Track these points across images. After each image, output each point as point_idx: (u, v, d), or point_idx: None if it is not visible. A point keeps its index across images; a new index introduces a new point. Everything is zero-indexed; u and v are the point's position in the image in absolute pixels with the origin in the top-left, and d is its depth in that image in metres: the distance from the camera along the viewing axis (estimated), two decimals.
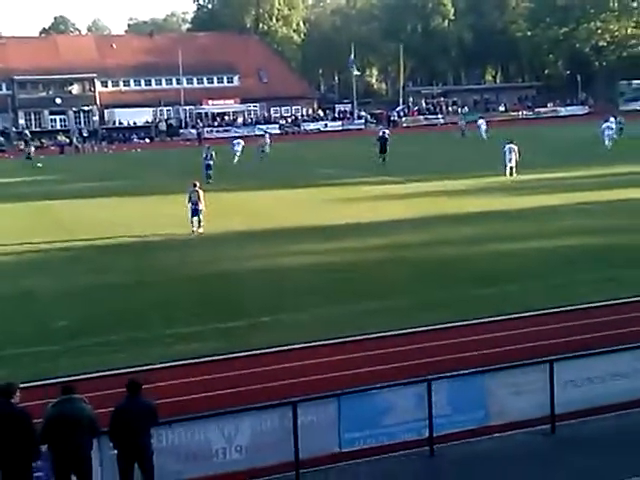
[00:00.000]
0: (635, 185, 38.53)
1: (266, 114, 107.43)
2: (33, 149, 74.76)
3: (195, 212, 31.13)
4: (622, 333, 16.72)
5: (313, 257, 26.30)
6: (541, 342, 16.51)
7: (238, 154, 60.24)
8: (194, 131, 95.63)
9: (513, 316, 18.65)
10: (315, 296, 21.27)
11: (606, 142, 59.10)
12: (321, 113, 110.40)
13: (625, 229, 28.68)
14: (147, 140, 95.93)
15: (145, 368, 15.75)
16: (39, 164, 65.55)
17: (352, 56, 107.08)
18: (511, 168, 44.55)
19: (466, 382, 12.96)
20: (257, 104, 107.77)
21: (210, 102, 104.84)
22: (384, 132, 59.64)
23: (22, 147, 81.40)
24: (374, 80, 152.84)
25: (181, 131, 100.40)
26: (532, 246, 26.40)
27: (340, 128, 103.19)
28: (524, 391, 13.07)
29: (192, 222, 31.22)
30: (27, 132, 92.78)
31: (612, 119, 64.39)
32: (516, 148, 45.11)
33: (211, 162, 48.22)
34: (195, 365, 16.34)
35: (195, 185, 31.50)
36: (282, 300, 21.01)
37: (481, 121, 76.90)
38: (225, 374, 15.78)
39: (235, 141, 63.00)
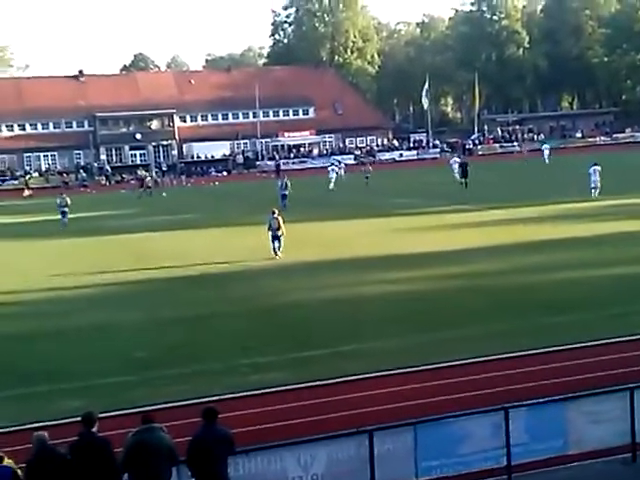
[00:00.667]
0: None
1: (341, 145, 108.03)
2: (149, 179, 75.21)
3: (275, 238, 32.39)
4: None
5: (388, 286, 26.25)
6: (619, 370, 16.30)
7: (333, 180, 64.36)
8: (270, 163, 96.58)
9: (589, 344, 18.42)
10: (392, 325, 21.24)
11: None
12: (396, 143, 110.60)
13: None
14: (224, 173, 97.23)
15: (222, 397, 15.86)
16: (164, 194, 68.32)
17: (427, 86, 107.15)
18: (594, 189, 46.71)
19: (543, 410, 12.83)
20: (332, 135, 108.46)
21: (286, 134, 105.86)
22: (462, 158, 60.57)
23: (103, 182, 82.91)
24: (449, 109, 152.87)
25: (258, 163, 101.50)
26: (609, 273, 26.10)
27: (415, 157, 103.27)
28: (603, 419, 12.88)
29: (273, 248, 32.38)
30: (108, 167, 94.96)
31: None
32: (600, 169, 47.15)
33: (286, 192, 50.42)
34: (271, 394, 16.40)
35: (274, 212, 32.84)
36: (359, 329, 21.01)
37: (545, 146, 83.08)
38: (301, 403, 15.83)
39: (330, 168, 67.21)
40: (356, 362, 18.12)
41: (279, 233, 32.35)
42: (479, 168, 72.29)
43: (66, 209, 49.44)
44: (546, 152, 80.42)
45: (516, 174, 69.36)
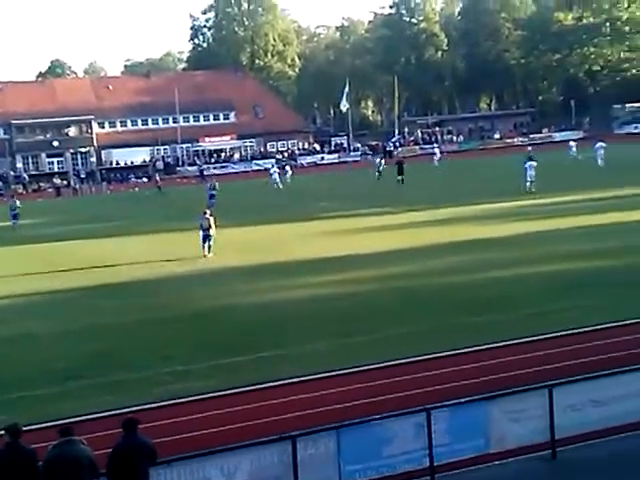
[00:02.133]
0: (629, 208, 38.72)
1: (262, 149, 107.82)
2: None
3: (206, 238, 33.68)
4: (619, 356, 16.70)
5: (312, 290, 26.28)
6: (538, 368, 16.49)
7: (277, 180, 66.97)
8: (191, 168, 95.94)
9: (508, 343, 18.60)
10: (315, 329, 21.26)
11: (599, 162, 62.89)
12: (317, 146, 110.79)
13: (617, 251, 28.79)
14: (145, 179, 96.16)
15: (144, 407, 15.70)
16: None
17: (347, 89, 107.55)
18: (531, 182, 49.44)
19: (465, 410, 12.90)
20: (253, 140, 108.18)
21: (207, 139, 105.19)
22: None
23: (20, 190, 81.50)
24: (369, 112, 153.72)
25: (178, 169, 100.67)
26: (527, 272, 26.42)
27: (337, 161, 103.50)
28: (524, 417, 13.01)
29: (204, 247, 33.66)
30: (25, 175, 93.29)
31: (601, 143, 65.31)
32: (535, 164, 50.33)
33: (214, 192, 54.34)
34: (193, 403, 16.25)
35: (205, 213, 34.38)
36: (283, 334, 20.99)
37: (436, 150, 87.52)
38: (224, 410, 15.72)
39: (272, 170, 70.33)
40: (280, 367, 18.09)
41: (210, 232, 33.54)
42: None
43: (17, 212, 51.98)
44: (437, 155, 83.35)
45: (436, 175, 69.85)
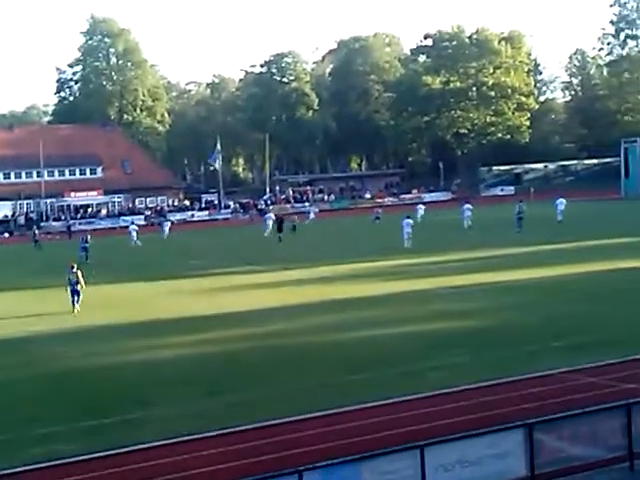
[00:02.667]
0: (494, 268, 39.53)
1: (131, 205, 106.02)
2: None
3: (74, 292, 33.18)
4: (488, 415, 16.64)
5: (181, 349, 25.60)
6: (411, 427, 16.28)
7: (166, 233, 69.57)
8: (56, 224, 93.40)
9: (381, 402, 18.35)
10: (184, 389, 20.63)
11: (465, 223, 64.79)
12: (187, 203, 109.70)
13: (483, 311, 29.21)
14: (6, 234, 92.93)
15: (2, 472, 14.80)
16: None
17: (218, 146, 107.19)
18: (408, 239, 51.69)
19: (337, 471, 12.45)
20: (121, 195, 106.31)
21: (73, 194, 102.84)
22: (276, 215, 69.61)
23: None
24: (241, 169, 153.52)
25: (42, 224, 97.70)
26: (400, 331, 26.41)
27: (207, 218, 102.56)
28: (396, 478, 12.64)
29: (73, 302, 33.08)
30: None
31: (467, 205, 67.26)
32: (412, 222, 53.44)
33: (87, 245, 54.86)
34: (56, 467, 15.33)
35: (73, 267, 33.62)
36: (151, 394, 20.26)
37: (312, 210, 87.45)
38: (89, 475, 14.90)
39: (131, 227, 69.75)
40: (147, 429, 17.37)
41: (78, 287, 33.11)
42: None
43: None
44: (312, 215, 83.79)
45: (311, 234, 69.64)
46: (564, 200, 66.32)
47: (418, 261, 44.51)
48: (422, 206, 77.16)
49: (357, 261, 45.57)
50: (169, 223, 78.62)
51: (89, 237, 56.86)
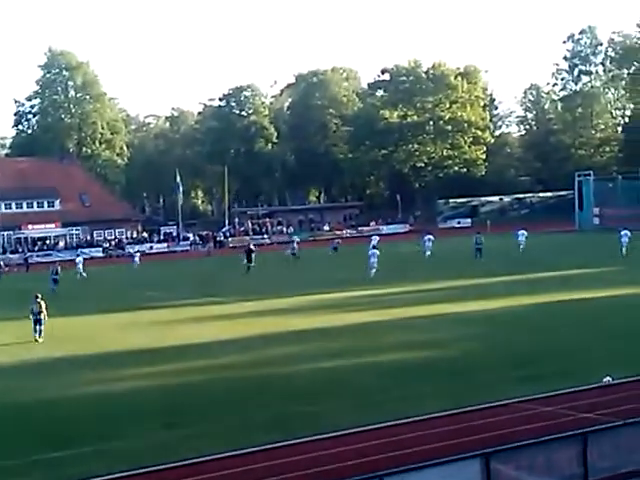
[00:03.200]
0: (454, 299, 39.83)
1: (89, 237, 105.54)
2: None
3: (37, 322, 33.55)
4: (448, 445, 16.64)
5: (135, 382, 25.44)
6: (369, 458, 16.26)
7: (80, 270, 65.55)
8: (13, 256, 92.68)
9: (338, 434, 18.23)
10: (138, 422, 20.46)
11: (425, 254, 65.85)
12: (146, 235, 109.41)
13: (444, 342, 29.41)
14: None
15: None
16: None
17: (178, 179, 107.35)
18: (372, 269, 52.81)
19: None
20: (79, 227, 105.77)
21: (30, 226, 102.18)
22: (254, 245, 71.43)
23: None
24: (200, 201, 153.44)
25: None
26: (358, 362, 26.52)
27: (166, 250, 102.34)
28: None
29: (35, 332, 33.50)
30: None
31: (429, 235, 68.60)
32: (378, 253, 54.21)
33: (57, 277, 54.70)
34: None
35: (37, 297, 34.08)
36: (104, 428, 20.07)
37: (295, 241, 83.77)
38: None
39: (77, 259, 69.07)
40: (101, 462, 17.14)
41: (41, 317, 33.52)
42: (231, 261, 73.17)
43: None
44: (295, 243, 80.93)
45: (270, 266, 69.82)
46: (525, 232, 67.72)
47: (377, 292, 44.69)
48: (376, 237, 77.25)
49: (316, 292, 45.65)
50: (139, 254, 79.94)
51: (59, 269, 56.61)
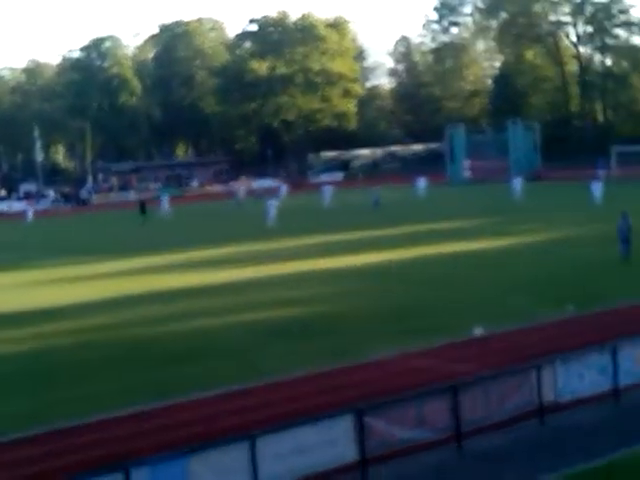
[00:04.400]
0: (335, 253, 39.23)
1: None
2: None
3: None
4: (318, 403, 16.50)
5: (3, 346, 24.30)
6: (243, 418, 15.97)
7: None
8: None
9: (214, 393, 17.95)
10: (4, 390, 19.59)
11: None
12: (4, 193, 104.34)
13: (323, 297, 29.28)
14: None
15: None
16: None
17: (36, 134, 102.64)
18: (271, 221, 53.40)
19: (165, 466, 12.21)
20: None
21: None
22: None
23: None
24: (61, 157, 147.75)
25: None
26: (233, 320, 25.87)
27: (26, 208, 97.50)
28: (227, 470, 12.56)
29: None
30: None
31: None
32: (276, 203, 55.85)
33: None
34: None
35: None
36: None
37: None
38: None
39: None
40: None
41: None
42: (91, 219, 72.99)
43: None
44: (165, 205, 74.25)
45: (134, 223, 66.90)
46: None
47: (255, 248, 43.40)
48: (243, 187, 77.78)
49: (192, 249, 44.22)
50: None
51: None
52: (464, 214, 53.68)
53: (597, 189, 55.62)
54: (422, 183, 75.12)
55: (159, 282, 34.04)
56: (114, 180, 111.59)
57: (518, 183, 64.72)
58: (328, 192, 65.73)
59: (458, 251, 37.39)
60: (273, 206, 55.49)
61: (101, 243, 51.92)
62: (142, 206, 64.82)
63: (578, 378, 15.93)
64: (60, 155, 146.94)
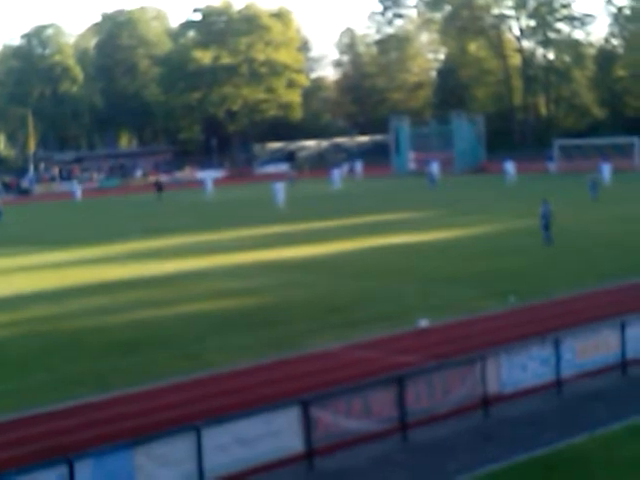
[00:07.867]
0: (275, 245, 39.65)
1: None
2: None
3: None
4: (266, 394, 16.49)
5: None
6: (187, 409, 15.87)
7: None
8: None
9: (150, 387, 17.76)
10: None
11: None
12: None
13: (266, 289, 29.09)
14: None
15: None
16: None
17: None
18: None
19: (110, 458, 12.15)
20: None
21: None
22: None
23: None
24: (2, 146, 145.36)
25: None
26: (177, 311, 25.61)
27: None
28: (172, 461, 12.59)
29: None
30: None
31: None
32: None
33: None
34: None
35: None
36: None
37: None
38: None
39: None
40: None
41: None
42: (37, 208, 72.08)
43: None
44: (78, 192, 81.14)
45: (77, 214, 66.10)
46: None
47: (196, 240, 43.08)
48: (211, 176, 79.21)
49: (133, 241, 43.75)
50: None
51: None
52: (406, 206, 53.92)
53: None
54: (337, 175, 76.65)
55: (101, 273, 33.60)
56: (56, 170, 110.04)
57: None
58: (280, 192, 62.47)
59: (401, 243, 37.50)
60: (280, 190, 57.69)
61: (43, 234, 51.14)
62: (159, 187, 73.06)
63: (521, 369, 16.15)
64: (0, 144, 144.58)
